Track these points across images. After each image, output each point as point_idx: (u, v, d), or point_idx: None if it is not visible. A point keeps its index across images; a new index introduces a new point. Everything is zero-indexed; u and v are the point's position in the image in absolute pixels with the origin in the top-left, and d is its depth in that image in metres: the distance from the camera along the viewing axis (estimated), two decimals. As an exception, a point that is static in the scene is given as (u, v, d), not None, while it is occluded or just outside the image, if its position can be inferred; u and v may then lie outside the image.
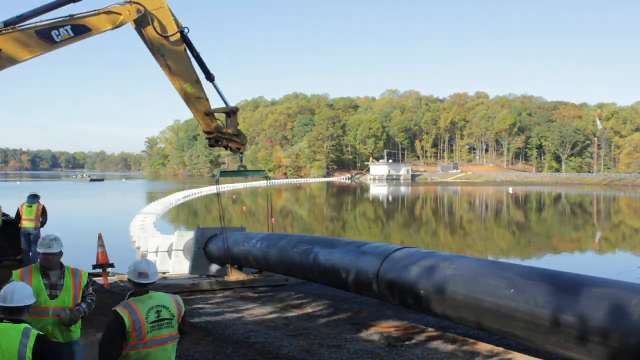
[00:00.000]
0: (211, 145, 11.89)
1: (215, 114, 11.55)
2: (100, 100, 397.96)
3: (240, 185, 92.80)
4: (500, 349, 7.27)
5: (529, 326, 5.98)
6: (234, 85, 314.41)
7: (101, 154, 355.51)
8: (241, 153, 12.37)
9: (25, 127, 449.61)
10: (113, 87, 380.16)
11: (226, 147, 11.89)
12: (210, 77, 11.48)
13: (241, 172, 13.02)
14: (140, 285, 4.19)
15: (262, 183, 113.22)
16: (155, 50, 10.55)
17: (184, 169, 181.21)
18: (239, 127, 11.88)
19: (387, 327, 8.61)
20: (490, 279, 6.62)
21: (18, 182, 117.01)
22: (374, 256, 8.50)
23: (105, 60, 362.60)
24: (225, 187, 79.99)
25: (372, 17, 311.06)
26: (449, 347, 7.50)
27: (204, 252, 13.37)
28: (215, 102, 11.78)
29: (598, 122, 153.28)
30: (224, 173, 13.50)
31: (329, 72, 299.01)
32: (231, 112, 11.67)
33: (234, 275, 12.45)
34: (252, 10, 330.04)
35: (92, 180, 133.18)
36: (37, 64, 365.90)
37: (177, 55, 10.72)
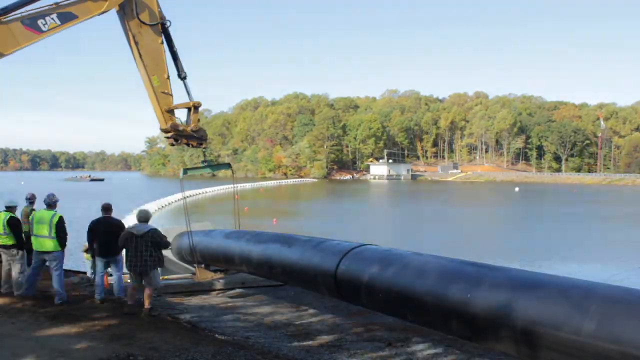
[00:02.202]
0: (171, 144, 11.74)
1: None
2: (100, 100, 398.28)
3: (245, 185, 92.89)
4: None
5: (487, 330, 5.84)
6: (234, 85, 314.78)
7: (101, 154, 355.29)
8: (204, 148, 12.15)
9: (26, 127, 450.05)
10: (113, 87, 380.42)
11: (187, 145, 11.65)
12: (182, 75, 11.28)
13: (205, 168, 13.02)
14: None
15: (264, 183, 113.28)
16: (131, 36, 10.40)
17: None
18: (199, 123, 11.42)
19: (387, 327, 8.63)
20: (449, 278, 6.41)
21: (22, 182, 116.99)
22: (332, 254, 8.18)
23: (105, 59, 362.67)
24: (229, 187, 79.94)
25: (372, 17, 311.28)
26: (449, 346, 7.52)
27: (170, 252, 13.36)
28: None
29: (602, 122, 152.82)
30: (188, 169, 13.42)
31: (329, 72, 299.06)
32: (193, 107, 11.32)
33: (202, 275, 12.39)
34: (253, 10, 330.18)
35: (91, 180, 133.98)
36: (37, 62, 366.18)
37: (151, 45, 10.57)
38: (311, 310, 10.06)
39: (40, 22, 9.17)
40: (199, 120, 11.42)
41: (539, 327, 5.27)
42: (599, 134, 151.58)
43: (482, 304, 5.82)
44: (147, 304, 8.59)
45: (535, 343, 5.31)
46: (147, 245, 8.59)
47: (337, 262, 7.89)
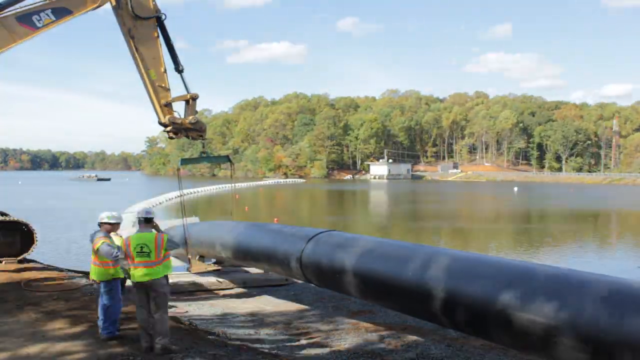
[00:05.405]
0: (171, 138, 11.77)
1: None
2: (100, 100, 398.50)
3: (243, 184, 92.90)
4: (499, 347, 7.28)
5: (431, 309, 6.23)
6: (235, 84, 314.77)
7: (101, 153, 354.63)
8: (203, 140, 12.20)
9: (25, 126, 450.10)
10: (113, 87, 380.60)
11: (187, 137, 11.69)
12: (179, 69, 11.29)
13: (204, 159, 12.98)
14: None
15: (263, 182, 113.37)
16: (126, 31, 10.38)
17: (184, 168, 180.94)
18: (197, 115, 11.50)
19: (387, 327, 8.63)
20: (399, 262, 6.73)
21: (20, 182, 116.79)
22: (299, 238, 8.56)
23: (104, 58, 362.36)
24: (227, 186, 79.98)
25: (371, 16, 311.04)
26: (449, 346, 7.53)
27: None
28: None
29: (615, 123, 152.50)
30: (186, 160, 13.34)
31: (329, 72, 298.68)
32: (191, 99, 11.33)
33: (196, 267, 12.47)
34: (252, 9, 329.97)
35: (98, 179, 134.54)
36: (36, 61, 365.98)
37: (147, 39, 10.56)
38: (311, 310, 10.06)
39: (34, 18, 9.15)
40: (196, 112, 11.41)
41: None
42: (613, 136, 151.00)
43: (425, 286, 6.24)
44: None
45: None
46: None
47: (303, 246, 8.24)
